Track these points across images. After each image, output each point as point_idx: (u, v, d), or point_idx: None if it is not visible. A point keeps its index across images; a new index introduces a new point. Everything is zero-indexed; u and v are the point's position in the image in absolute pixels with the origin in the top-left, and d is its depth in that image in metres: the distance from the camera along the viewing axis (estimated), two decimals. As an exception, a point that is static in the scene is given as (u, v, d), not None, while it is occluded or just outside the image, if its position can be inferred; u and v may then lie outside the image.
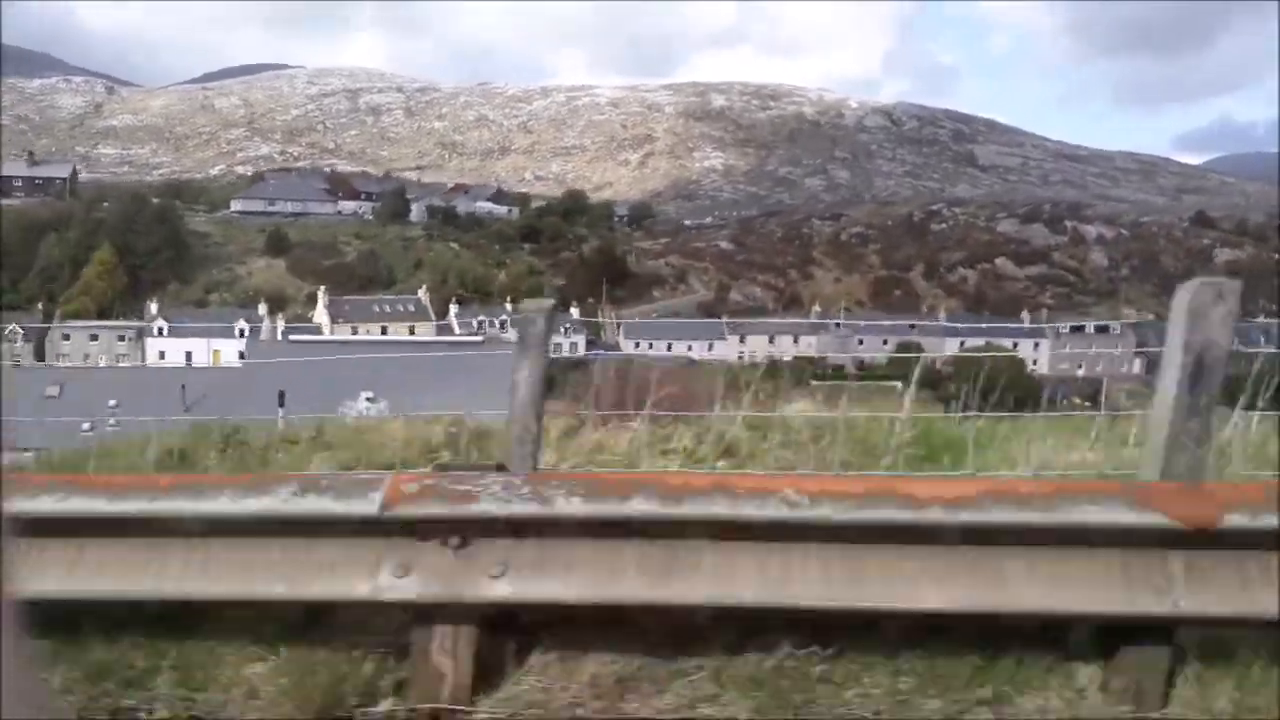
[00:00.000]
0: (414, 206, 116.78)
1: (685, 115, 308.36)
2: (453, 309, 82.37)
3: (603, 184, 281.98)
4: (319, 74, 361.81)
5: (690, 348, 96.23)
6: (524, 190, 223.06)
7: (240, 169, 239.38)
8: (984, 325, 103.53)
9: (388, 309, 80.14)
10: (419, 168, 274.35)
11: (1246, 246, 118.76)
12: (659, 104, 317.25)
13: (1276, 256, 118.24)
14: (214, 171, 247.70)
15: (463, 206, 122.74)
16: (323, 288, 79.40)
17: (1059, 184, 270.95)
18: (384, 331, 74.19)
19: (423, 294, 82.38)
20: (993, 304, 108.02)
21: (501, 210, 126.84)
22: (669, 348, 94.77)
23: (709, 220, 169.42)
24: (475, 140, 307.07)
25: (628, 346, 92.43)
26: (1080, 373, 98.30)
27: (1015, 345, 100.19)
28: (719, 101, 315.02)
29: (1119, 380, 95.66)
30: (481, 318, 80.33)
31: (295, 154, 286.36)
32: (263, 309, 75.91)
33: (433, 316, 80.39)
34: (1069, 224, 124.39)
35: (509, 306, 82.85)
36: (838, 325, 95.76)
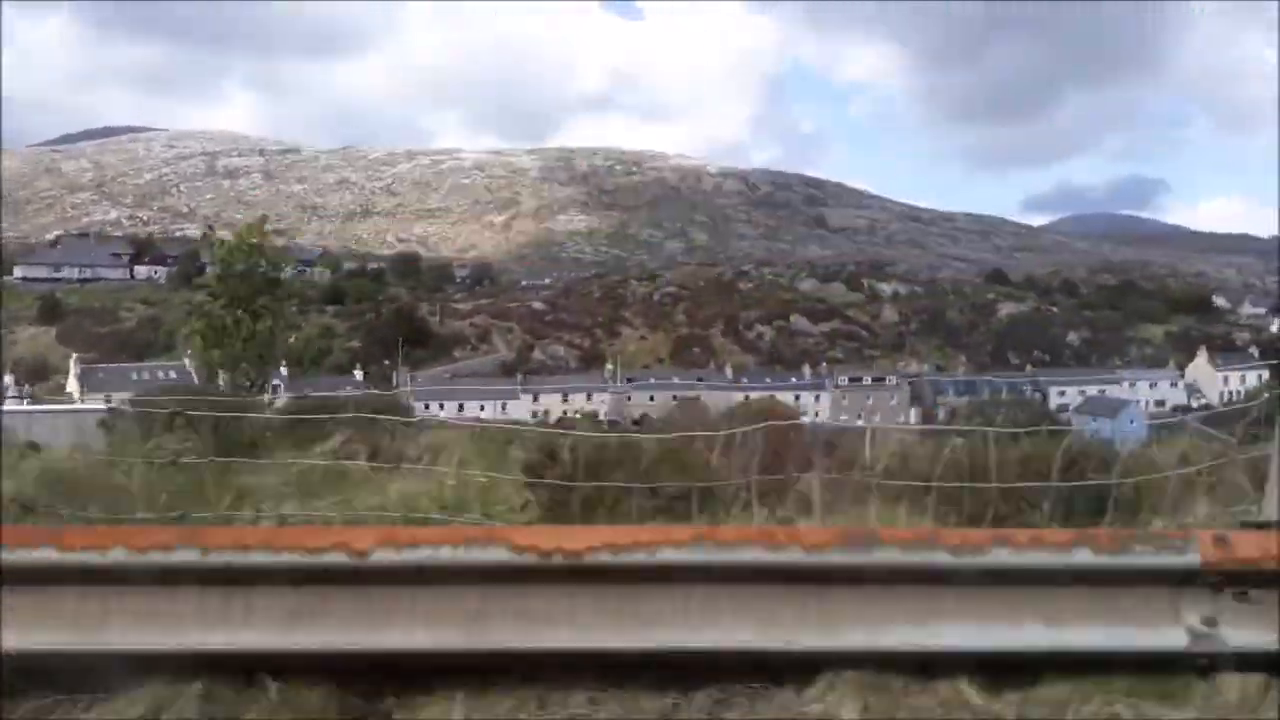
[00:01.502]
0: (210, 270, 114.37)
1: (550, 179, 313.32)
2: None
3: (467, 246, 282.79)
4: (179, 137, 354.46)
5: (483, 408, 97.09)
6: (386, 252, 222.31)
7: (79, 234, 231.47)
8: (768, 380, 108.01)
9: (146, 376, 78.14)
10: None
11: (1029, 300, 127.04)
12: (524, 168, 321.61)
13: (1054, 309, 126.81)
14: (50, 236, 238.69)
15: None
16: (74, 356, 77.20)
17: (903, 244, 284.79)
18: (139, 400, 72.29)
19: (188, 360, 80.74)
20: (786, 359, 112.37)
21: (312, 273, 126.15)
22: (460, 408, 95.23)
23: (547, 281, 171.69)
24: (336, 203, 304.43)
25: (417, 408, 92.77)
26: (859, 423, 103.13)
27: (798, 398, 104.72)
28: (583, 166, 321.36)
29: (889, 432, 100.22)
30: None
31: (145, 218, 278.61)
32: (9, 379, 73.16)
33: (197, 382, 78.69)
34: (866, 282, 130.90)
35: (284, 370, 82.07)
36: (621, 382, 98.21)
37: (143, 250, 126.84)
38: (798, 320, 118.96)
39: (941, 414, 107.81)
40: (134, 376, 79.77)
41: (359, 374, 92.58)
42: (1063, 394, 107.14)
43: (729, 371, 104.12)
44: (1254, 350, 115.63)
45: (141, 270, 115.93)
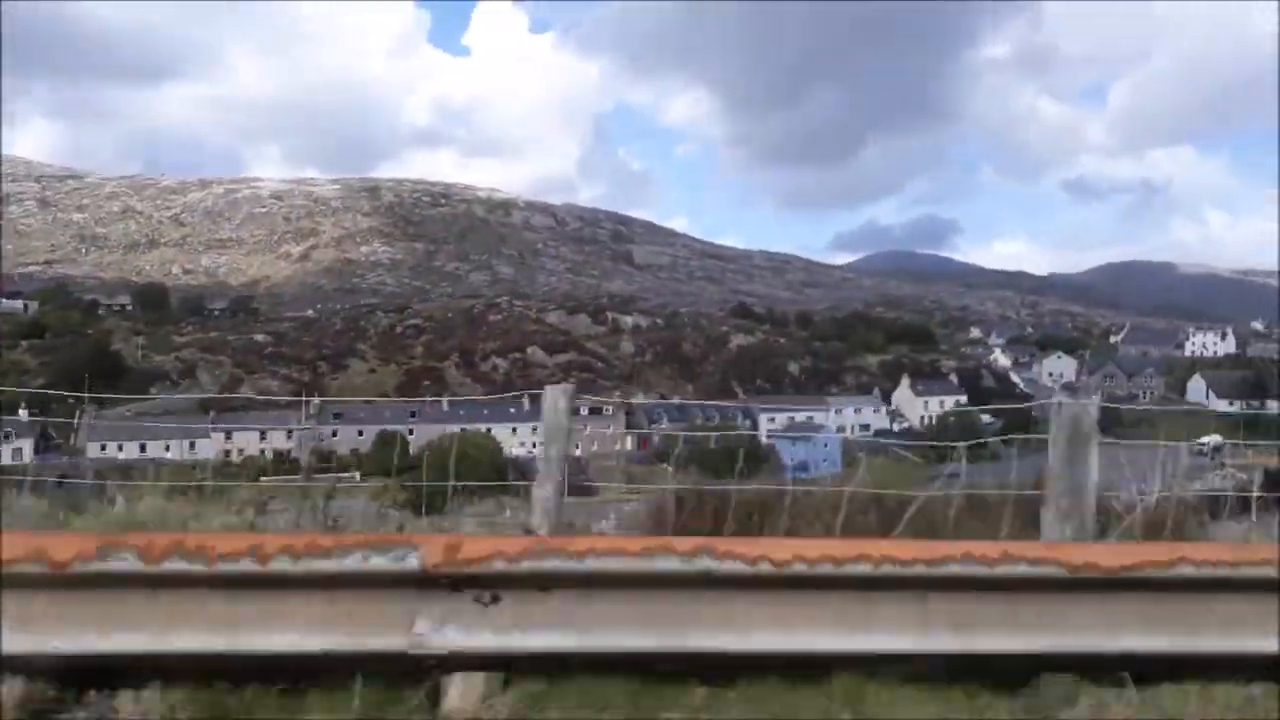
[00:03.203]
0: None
1: (353, 209, 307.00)
2: None
3: (259, 277, 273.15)
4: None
5: (168, 448, 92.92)
6: (166, 283, 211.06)
7: None
8: (486, 412, 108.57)
9: None
10: None
11: (758, 333, 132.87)
12: (325, 197, 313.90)
13: (781, 341, 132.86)
14: None
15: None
16: None
17: (701, 279, 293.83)
18: None
19: None
20: (519, 390, 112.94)
21: (16, 305, 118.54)
22: (143, 449, 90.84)
23: (310, 312, 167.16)
24: (120, 233, 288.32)
25: (93, 449, 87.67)
26: (577, 452, 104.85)
27: (514, 430, 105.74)
28: (388, 197, 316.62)
29: (606, 458, 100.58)
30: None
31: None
32: None
33: None
34: (610, 315, 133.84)
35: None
36: (329, 417, 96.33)
37: None
38: (534, 352, 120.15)
39: (656, 440, 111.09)
40: None
41: (24, 414, 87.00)
42: (772, 420, 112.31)
43: (445, 404, 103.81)
44: (954, 378, 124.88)
45: None
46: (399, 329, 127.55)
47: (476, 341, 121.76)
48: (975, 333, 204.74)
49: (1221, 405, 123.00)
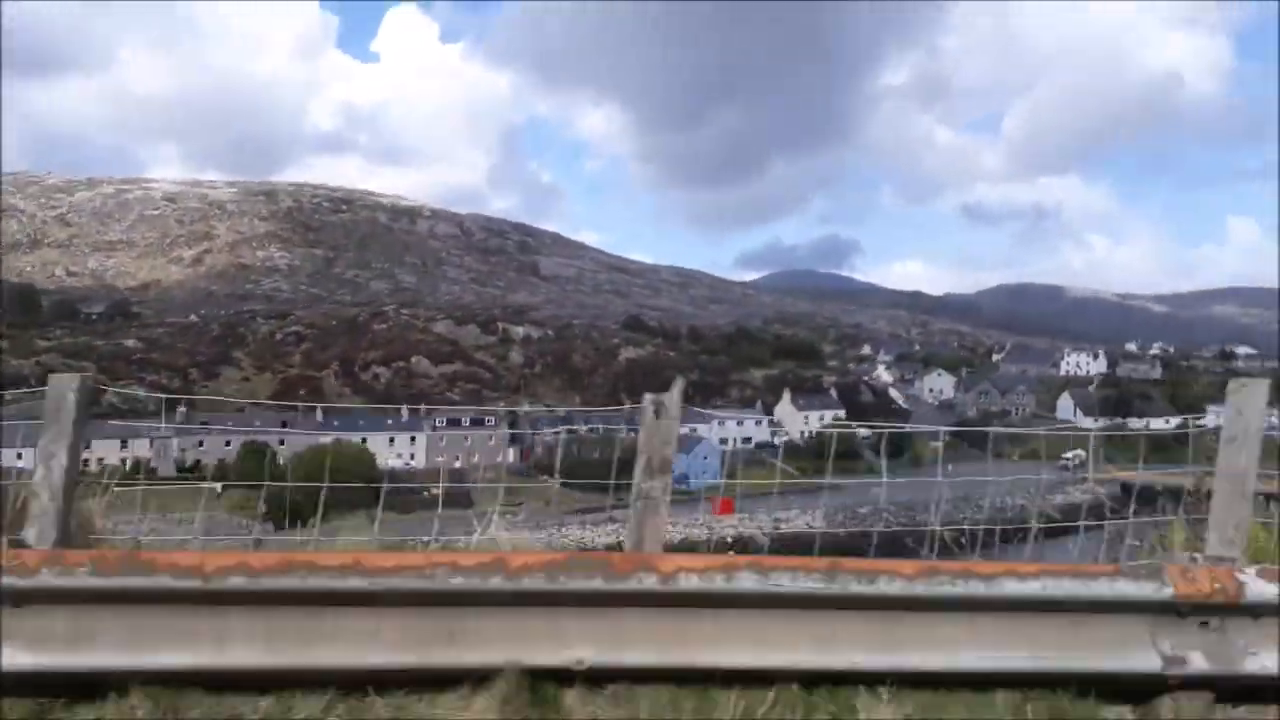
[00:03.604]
0: None
1: (249, 213, 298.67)
2: None
3: (149, 281, 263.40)
4: None
5: (20, 456, 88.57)
6: (50, 286, 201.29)
7: None
8: (362, 423, 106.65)
9: None
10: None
11: (648, 346, 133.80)
12: (221, 201, 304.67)
13: (671, 354, 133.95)
14: None
15: None
16: None
17: (608, 293, 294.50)
18: None
19: None
20: (400, 400, 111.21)
21: None
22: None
23: (192, 317, 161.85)
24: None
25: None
26: (457, 464, 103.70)
27: (392, 441, 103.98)
28: (287, 201, 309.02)
29: (488, 469, 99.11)
30: None
31: None
32: None
33: None
34: (500, 325, 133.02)
35: None
36: (195, 425, 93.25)
37: None
38: (419, 362, 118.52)
39: (539, 451, 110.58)
40: None
41: None
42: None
43: (319, 414, 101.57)
44: (833, 393, 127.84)
45: None
46: (278, 336, 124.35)
47: (358, 350, 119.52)
48: (866, 350, 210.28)
49: (1087, 422, 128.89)
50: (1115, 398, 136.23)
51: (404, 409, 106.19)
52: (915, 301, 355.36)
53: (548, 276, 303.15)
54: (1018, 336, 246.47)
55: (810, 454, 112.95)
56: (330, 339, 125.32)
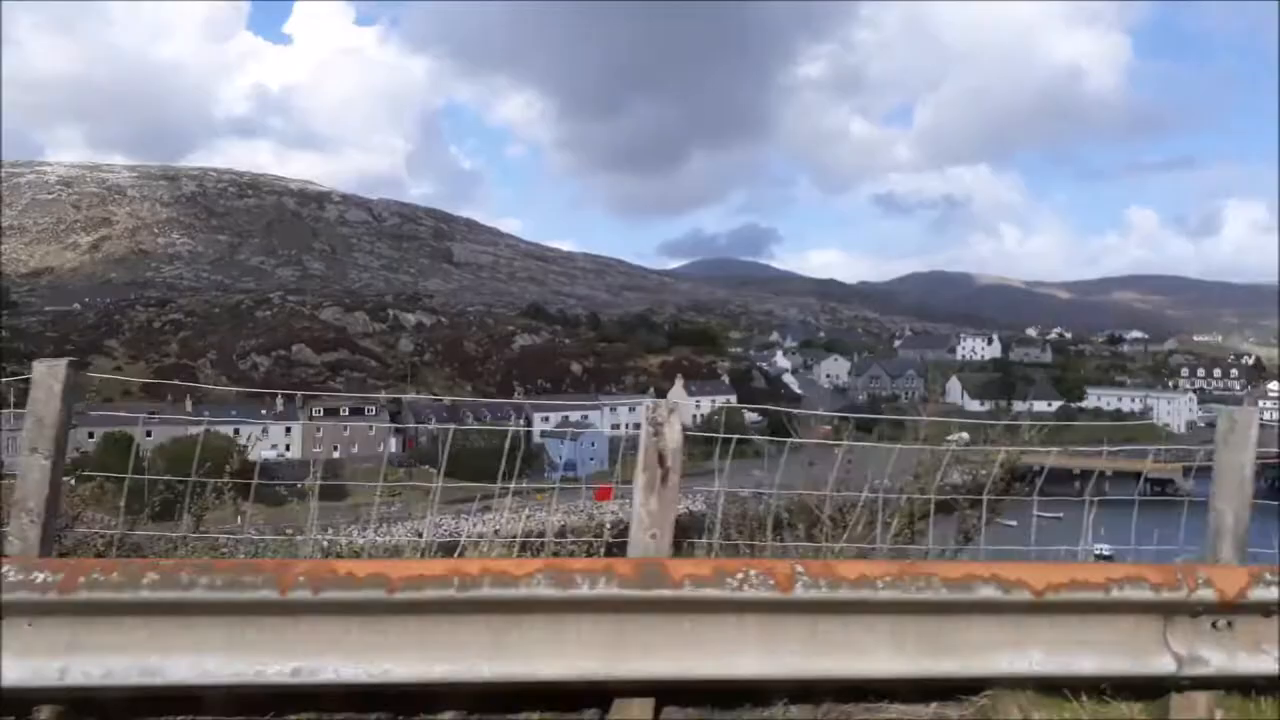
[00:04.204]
0: None
1: (151, 199, 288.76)
2: None
3: (41, 268, 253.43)
4: None
5: None
6: None
7: None
8: (234, 413, 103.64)
9: None
10: None
11: (544, 333, 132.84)
12: (121, 185, 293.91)
13: (567, 342, 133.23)
14: None
15: None
16: None
17: (523, 280, 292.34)
18: None
19: None
20: (279, 389, 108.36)
21: None
22: None
23: (76, 306, 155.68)
24: None
25: None
26: (336, 454, 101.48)
27: (265, 431, 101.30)
28: (191, 186, 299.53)
29: (363, 460, 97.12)
30: None
31: None
32: None
33: None
34: (391, 312, 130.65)
35: None
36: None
37: None
38: (300, 350, 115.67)
39: (424, 441, 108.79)
40: None
41: None
42: (546, 419, 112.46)
43: (189, 404, 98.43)
44: (726, 379, 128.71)
45: None
46: (156, 324, 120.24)
47: (238, 338, 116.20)
48: (775, 336, 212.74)
49: (974, 405, 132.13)
50: (1001, 381, 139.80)
51: (279, 397, 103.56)
52: (830, 289, 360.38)
53: (461, 263, 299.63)
54: (926, 323, 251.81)
55: (699, 439, 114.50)
56: (210, 327, 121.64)
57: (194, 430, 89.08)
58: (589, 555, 5.13)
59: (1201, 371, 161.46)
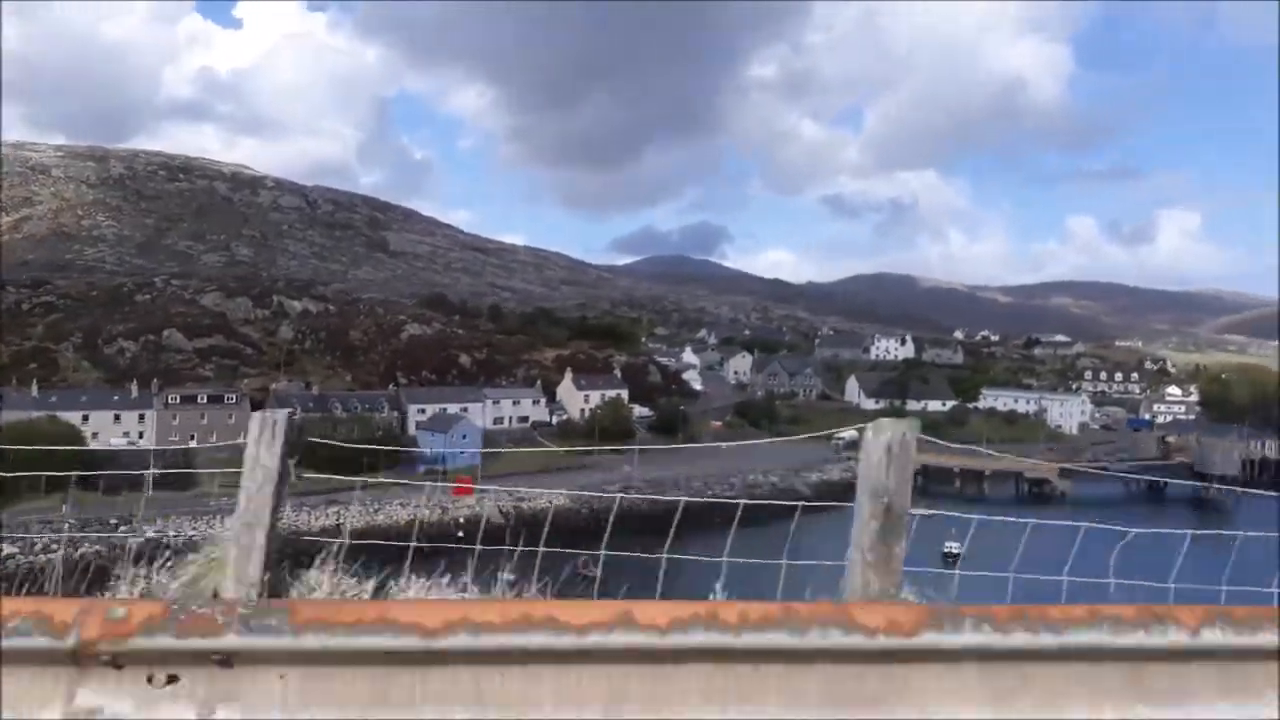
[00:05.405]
0: None
1: (76, 179, 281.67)
2: None
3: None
4: None
5: None
6: None
7: None
8: (84, 399, 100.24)
9: None
10: None
11: (436, 324, 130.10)
12: (45, 165, 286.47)
13: (459, 332, 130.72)
14: None
15: None
16: None
17: (458, 271, 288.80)
18: None
19: None
20: (143, 376, 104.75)
21: None
22: None
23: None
24: None
25: None
26: (192, 443, 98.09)
27: (117, 418, 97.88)
28: (119, 168, 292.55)
29: (220, 450, 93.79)
30: None
31: None
32: None
33: None
34: (276, 299, 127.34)
35: None
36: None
37: None
38: (171, 335, 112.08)
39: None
40: None
41: None
42: (423, 411, 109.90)
43: (34, 390, 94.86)
44: (618, 373, 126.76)
45: None
46: (26, 305, 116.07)
47: (106, 323, 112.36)
48: (703, 333, 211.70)
49: (870, 404, 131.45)
50: (898, 381, 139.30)
51: (133, 386, 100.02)
52: (775, 289, 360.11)
53: (396, 253, 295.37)
54: (853, 323, 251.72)
55: (584, 433, 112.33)
56: (80, 310, 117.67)
57: (35, 415, 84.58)
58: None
59: (1104, 375, 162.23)
